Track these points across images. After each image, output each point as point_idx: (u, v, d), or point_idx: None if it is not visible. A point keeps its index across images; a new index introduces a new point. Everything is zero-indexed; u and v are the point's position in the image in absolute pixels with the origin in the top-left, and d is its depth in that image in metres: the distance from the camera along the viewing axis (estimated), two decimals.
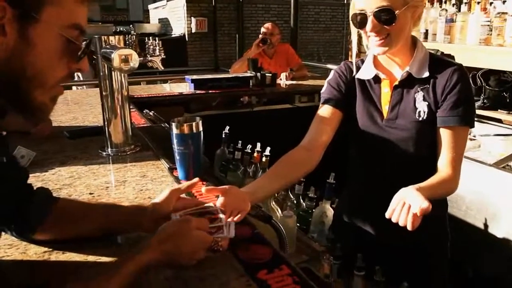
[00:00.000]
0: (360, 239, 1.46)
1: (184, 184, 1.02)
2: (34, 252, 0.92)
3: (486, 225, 2.50)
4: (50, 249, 0.93)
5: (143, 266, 0.76)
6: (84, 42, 0.74)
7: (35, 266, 0.88)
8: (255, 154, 2.04)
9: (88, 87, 3.83)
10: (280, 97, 3.72)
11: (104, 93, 1.64)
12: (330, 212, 1.75)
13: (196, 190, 1.27)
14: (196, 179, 1.02)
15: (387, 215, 1.10)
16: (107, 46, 1.51)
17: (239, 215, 1.02)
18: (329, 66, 6.01)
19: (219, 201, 1.02)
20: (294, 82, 3.93)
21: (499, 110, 2.80)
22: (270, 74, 3.61)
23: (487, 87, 2.86)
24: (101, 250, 0.92)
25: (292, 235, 1.49)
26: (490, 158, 2.61)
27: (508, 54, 2.72)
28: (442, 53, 3.01)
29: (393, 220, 1.08)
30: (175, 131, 1.31)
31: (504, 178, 2.41)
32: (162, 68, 1.51)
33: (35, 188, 0.97)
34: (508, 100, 2.78)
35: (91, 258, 0.90)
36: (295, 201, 1.91)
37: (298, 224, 1.68)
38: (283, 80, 3.86)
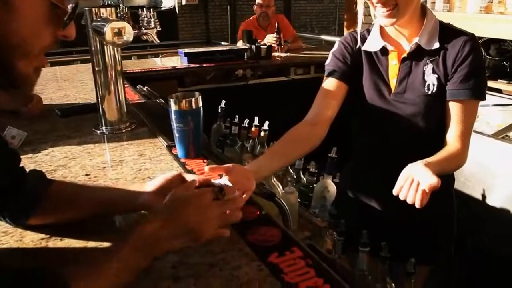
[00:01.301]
0: (365, 215, 1.43)
1: (192, 175, 0.96)
2: (30, 239, 0.87)
3: (484, 196, 2.50)
4: (48, 236, 0.88)
5: (144, 240, 0.70)
6: (70, 6, 0.67)
7: (32, 254, 0.84)
8: (253, 129, 2.00)
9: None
10: (275, 69, 3.64)
11: (96, 69, 1.56)
12: (332, 187, 1.72)
13: (198, 169, 1.22)
14: (206, 176, 0.96)
15: (394, 192, 1.06)
16: (98, 19, 1.43)
17: (244, 196, 0.98)
18: (323, 37, 5.93)
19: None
20: (289, 54, 3.85)
21: (499, 80, 2.76)
22: (265, 46, 3.52)
23: (488, 56, 2.81)
24: (102, 235, 0.87)
25: (294, 212, 1.46)
26: (488, 128, 2.59)
27: (509, 23, 2.66)
28: (441, 22, 2.97)
29: (401, 197, 1.04)
30: (173, 107, 1.24)
31: (502, 149, 2.40)
32: (158, 41, 1.43)
33: (27, 171, 0.91)
34: (508, 70, 2.74)
35: (91, 244, 0.85)
36: (295, 176, 1.88)
37: (299, 200, 1.65)
38: (267, 40, 3.72)
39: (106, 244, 0.85)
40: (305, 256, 0.80)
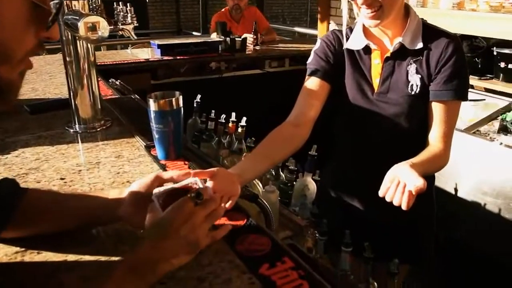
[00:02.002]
0: (347, 215, 1.42)
1: (170, 172, 0.91)
2: (4, 253, 0.81)
3: (456, 190, 2.56)
4: (23, 249, 0.82)
5: (140, 262, 0.67)
6: (53, 3, 0.62)
7: (8, 269, 0.78)
8: (230, 124, 1.96)
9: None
10: (249, 62, 3.61)
11: (68, 59, 1.48)
12: (312, 185, 1.71)
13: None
14: (185, 171, 0.92)
15: (380, 193, 1.06)
16: (70, 12, 1.35)
17: (230, 202, 0.95)
18: (297, 29, 5.92)
19: (208, 186, 0.94)
20: (263, 47, 3.81)
21: (470, 76, 2.80)
22: (240, 39, 3.47)
23: None
24: (81, 248, 0.83)
25: (275, 210, 1.44)
26: (460, 123, 2.63)
27: (481, 19, 2.71)
28: None
29: (387, 199, 1.04)
30: (153, 108, 1.19)
31: (474, 143, 2.45)
32: (135, 38, 1.37)
33: None
34: (480, 66, 2.79)
35: (70, 257, 0.80)
36: (274, 173, 1.86)
37: (279, 198, 1.64)
38: (249, 39, 3.68)
39: (87, 258, 0.80)
40: (297, 267, 0.78)
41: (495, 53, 2.74)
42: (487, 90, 2.79)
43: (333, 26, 1.17)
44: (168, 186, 0.87)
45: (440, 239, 2.44)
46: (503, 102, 2.72)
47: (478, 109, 2.80)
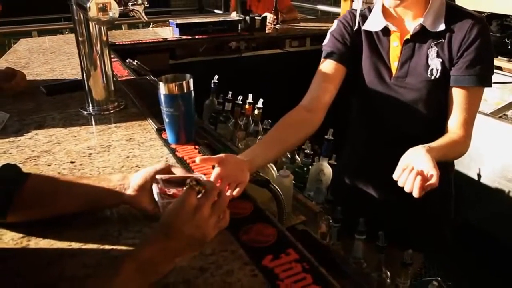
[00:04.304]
0: (362, 201, 1.39)
1: (179, 169, 0.90)
2: (10, 237, 0.82)
3: (479, 175, 2.49)
4: (28, 235, 0.83)
5: (146, 260, 0.65)
6: None
7: (14, 254, 0.79)
8: (247, 106, 1.94)
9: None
10: (269, 42, 3.54)
11: (80, 39, 1.46)
12: (327, 169, 1.68)
13: (189, 156, 1.16)
14: (198, 174, 0.90)
15: (394, 176, 1.02)
16: None
17: (237, 189, 0.93)
18: (320, 7, 5.77)
19: (215, 172, 0.92)
20: (284, 25, 3.73)
21: (499, 57, 2.69)
22: (260, 18, 3.40)
23: None
24: (85, 234, 0.82)
25: (288, 195, 1.42)
26: (486, 107, 2.54)
27: None
28: None
29: (400, 184, 1.00)
30: (163, 91, 1.17)
31: (500, 128, 2.36)
32: (146, 19, 1.34)
33: (1, 164, 0.86)
34: (509, 47, 2.67)
35: (75, 244, 0.80)
36: (290, 157, 1.83)
37: (293, 182, 1.61)
38: (269, 18, 3.61)
39: (90, 246, 0.80)
40: (301, 260, 0.76)
41: None
42: None
43: (356, 4, 1.12)
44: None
45: (457, 222, 2.41)
46: None
47: (506, 92, 2.69)
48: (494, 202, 2.41)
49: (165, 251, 0.67)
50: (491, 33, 2.71)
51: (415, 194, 0.96)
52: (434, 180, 0.95)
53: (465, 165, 2.50)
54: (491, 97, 2.65)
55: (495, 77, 2.78)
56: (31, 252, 0.79)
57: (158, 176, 0.84)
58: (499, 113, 2.48)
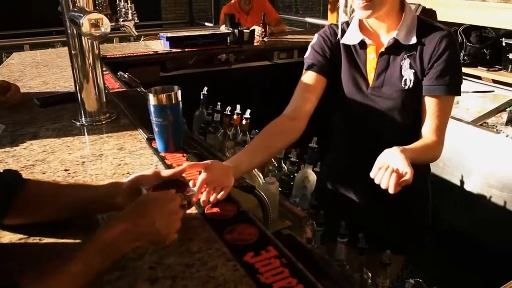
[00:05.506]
0: (343, 206, 1.45)
1: (169, 170, 0.97)
2: (9, 239, 0.87)
3: (462, 182, 2.56)
4: (26, 236, 0.88)
5: (107, 243, 0.72)
6: None
7: (12, 254, 0.84)
8: (235, 116, 2.01)
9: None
10: (258, 54, 3.63)
11: (73, 52, 1.53)
12: (312, 176, 1.74)
13: (177, 164, 1.23)
14: (183, 166, 0.97)
15: (371, 174, 1.08)
16: (75, 9, 1.40)
17: (222, 192, 0.99)
18: (308, 19, 5.89)
19: (201, 177, 0.99)
20: (272, 38, 3.83)
21: (479, 67, 2.79)
22: (248, 30, 3.49)
23: (468, 43, 2.83)
24: (81, 235, 0.88)
25: (274, 201, 1.48)
26: (467, 115, 2.63)
27: (490, 9, 2.68)
28: (424, 8, 2.97)
29: (376, 181, 1.06)
30: (152, 102, 1.24)
31: (481, 135, 2.44)
32: (136, 34, 1.42)
33: (2, 170, 0.91)
34: (488, 57, 2.77)
35: (72, 246, 0.86)
36: (276, 165, 1.90)
37: (280, 189, 1.67)
38: (257, 31, 3.70)
39: None
40: (280, 256, 0.82)
41: (503, 44, 2.71)
42: (496, 81, 2.77)
43: (343, 17, 1.18)
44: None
45: (444, 227, 2.47)
46: (511, 93, 2.70)
47: (486, 101, 2.78)
48: (478, 208, 2.48)
49: (127, 233, 0.74)
50: (471, 44, 2.82)
51: (391, 190, 1.03)
52: (408, 176, 1.01)
53: (449, 172, 2.57)
54: (473, 105, 2.74)
55: (476, 87, 2.88)
56: (32, 249, 0.84)
57: (144, 189, 0.90)
58: (480, 121, 2.57)
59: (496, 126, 2.50)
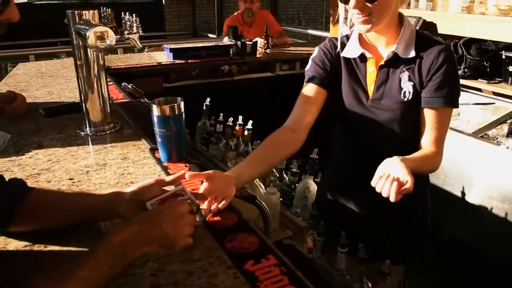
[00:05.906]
0: (344, 216, 1.47)
1: (171, 176, 0.99)
2: (14, 246, 0.89)
3: (463, 193, 2.56)
4: (31, 243, 0.90)
5: (116, 247, 0.73)
6: None
7: (17, 261, 0.86)
8: (237, 127, 2.03)
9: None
10: (260, 65, 3.66)
11: (78, 63, 1.56)
12: (313, 187, 1.76)
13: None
14: (183, 171, 1.00)
15: (372, 183, 1.10)
16: (81, 22, 1.43)
17: (223, 202, 1.01)
18: (310, 31, 5.95)
19: (203, 187, 1.01)
20: (274, 50, 3.87)
21: (479, 80, 2.82)
22: (251, 42, 3.53)
23: (468, 56, 2.86)
24: (86, 242, 0.89)
25: (275, 211, 1.49)
26: (468, 127, 2.64)
27: (490, 23, 2.72)
28: (424, 21, 3.01)
29: (377, 190, 1.08)
30: (156, 113, 1.27)
31: (482, 147, 2.46)
32: (140, 47, 1.45)
33: (7, 179, 0.94)
34: (488, 70, 2.79)
35: (75, 252, 0.88)
36: (278, 175, 1.91)
37: (281, 199, 1.69)
38: (259, 43, 3.75)
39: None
40: (279, 264, 0.84)
41: (503, 56, 2.74)
42: (496, 94, 2.80)
43: (342, 29, 1.20)
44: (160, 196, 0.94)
45: (446, 238, 2.47)
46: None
47: (487, 113, 2.80)
48: (479, 219, 2.48)
49: (136, 236, 0.75)
50: (471, 57, 2.85)
51: (392, 198, 1.05)
52: (409, 185, 1.03)
53: (450, 183, 2.58)
54: (474, 117, 2.76)
55: (477, 99, 2.89)
56: (36, 259, 0.86)
57: (148, 203, 0.92)
58: (480, 133, 2.58)
59: (497, 138, 2.51)
